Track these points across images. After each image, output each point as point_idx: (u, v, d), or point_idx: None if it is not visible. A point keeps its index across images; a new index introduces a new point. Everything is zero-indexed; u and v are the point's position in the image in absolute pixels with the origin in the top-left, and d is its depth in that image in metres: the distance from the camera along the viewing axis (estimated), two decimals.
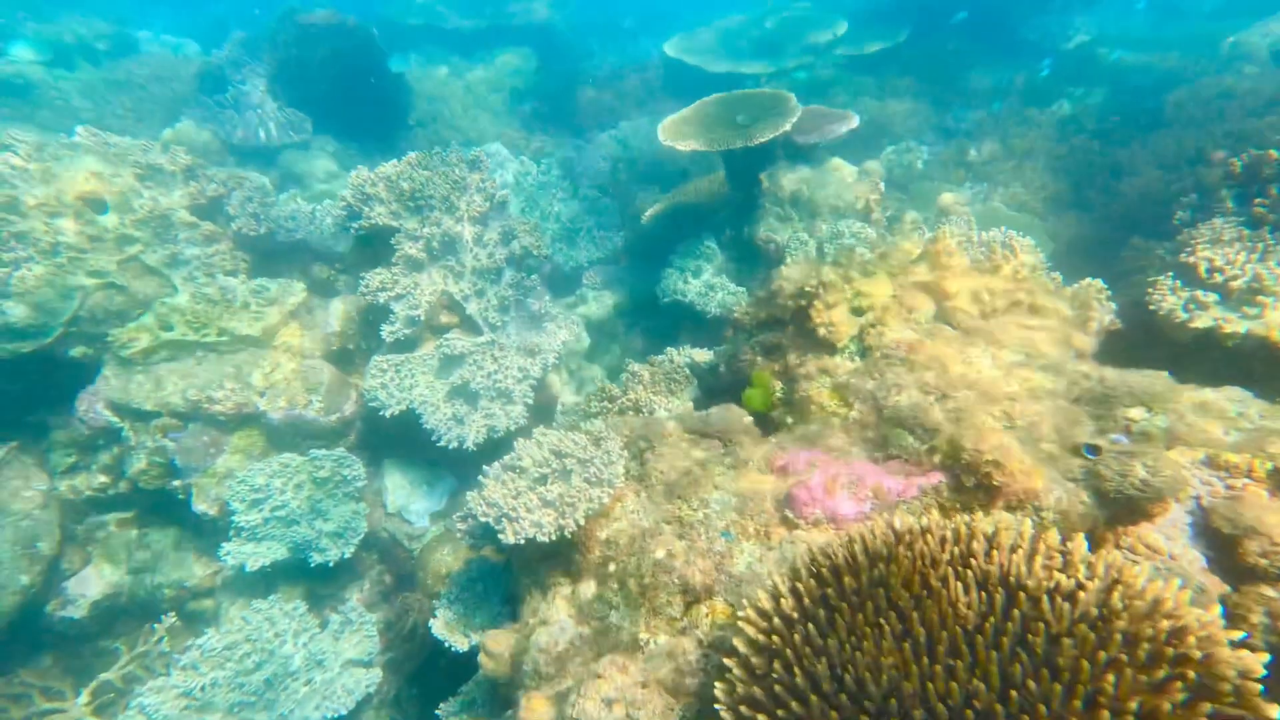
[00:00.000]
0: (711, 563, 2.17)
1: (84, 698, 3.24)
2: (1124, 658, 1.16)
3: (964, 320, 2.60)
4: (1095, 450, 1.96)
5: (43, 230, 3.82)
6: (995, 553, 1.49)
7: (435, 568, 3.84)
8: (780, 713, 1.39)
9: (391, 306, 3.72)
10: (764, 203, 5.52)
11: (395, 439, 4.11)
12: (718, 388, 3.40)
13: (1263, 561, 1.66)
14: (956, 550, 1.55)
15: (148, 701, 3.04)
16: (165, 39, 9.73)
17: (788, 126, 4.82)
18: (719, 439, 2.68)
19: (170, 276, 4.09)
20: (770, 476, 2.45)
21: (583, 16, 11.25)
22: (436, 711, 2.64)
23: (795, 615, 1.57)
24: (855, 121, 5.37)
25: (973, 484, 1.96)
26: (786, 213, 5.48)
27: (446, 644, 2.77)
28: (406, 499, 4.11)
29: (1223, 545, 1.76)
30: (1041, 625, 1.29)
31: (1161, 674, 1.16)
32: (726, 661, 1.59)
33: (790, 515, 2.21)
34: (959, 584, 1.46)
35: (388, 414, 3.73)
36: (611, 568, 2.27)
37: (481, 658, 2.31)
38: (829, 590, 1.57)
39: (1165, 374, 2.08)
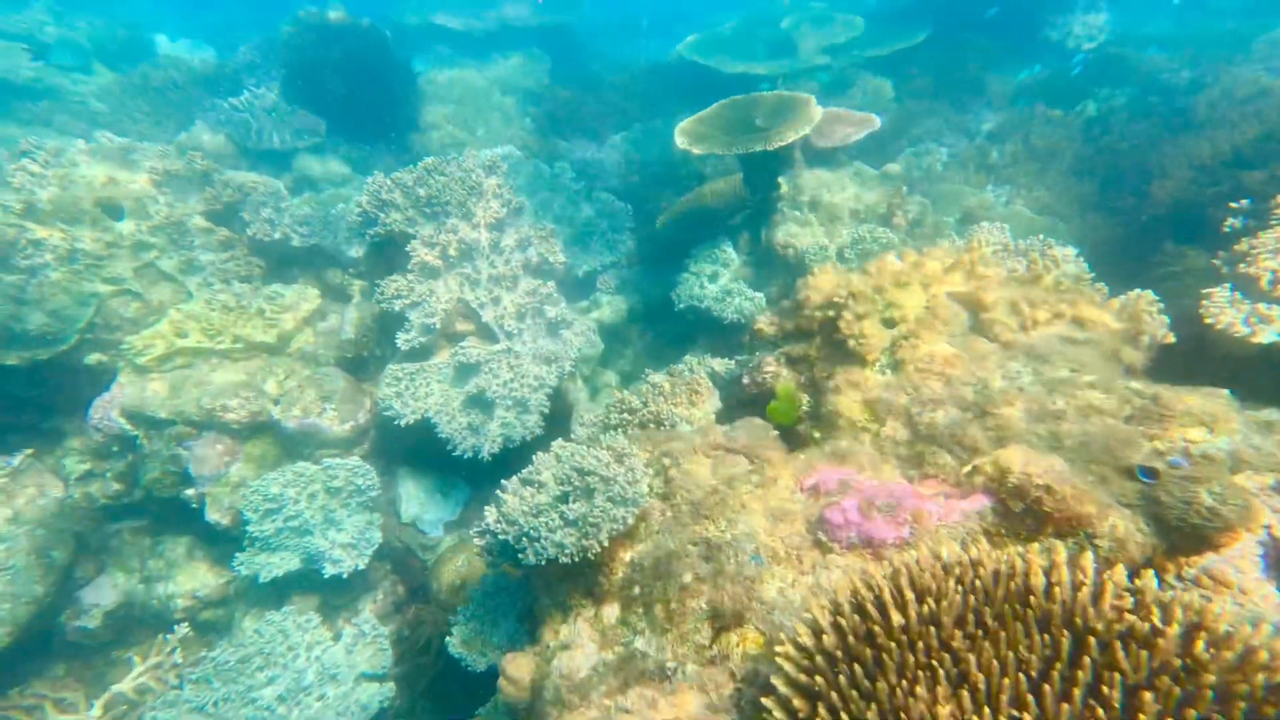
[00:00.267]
0: (741, 588, 2.08)
1: (96, 710, 3.20)
2: (1217, 719, 1.06)
3: (1002, 333, 2.49)
4: (1152, 474, 1.85)
5: (60, 237, 3.80)
6: (1056, 590, 1.39)
7: (449, 580, 3.78)
8: None
9: (407, 314, 3.67)
10: (782, 206, 5.42)
11: (410, 447, 4.06)
12: (740, 399, 3.31)
13: None
14: (1013, 586, 1.45)
15: (160, 716, 3.00)
16: (180, 43, 9.79)
17: (808, 130, 4.71)
18: (745, 455, 2.59)
19: (185, 283, 4.06)
20: (800, 496, 2.35)
21: (596, 17, 11.19)
22: None
23: (839, 654, 1.48)
24: (877, 124, 5.26)
25: (1020, 509, 1.86)
26: (805, 217, 5.37)
27: (464, 663, 2.70)
28: (420, 509, 4.05)
29: None
30: (1116, 676, 1.19)
31: None
32: (765, 702, 1.51)
33: (823, 538, 2.12)
34: (1019, 624, 1.37)
35: (402, 423, 3.67)
36: (636, 590, 2.18)
37: (501, 682, 2.23)
38: (874, 627, 1.48)
39: (1225, 392, 1.96)
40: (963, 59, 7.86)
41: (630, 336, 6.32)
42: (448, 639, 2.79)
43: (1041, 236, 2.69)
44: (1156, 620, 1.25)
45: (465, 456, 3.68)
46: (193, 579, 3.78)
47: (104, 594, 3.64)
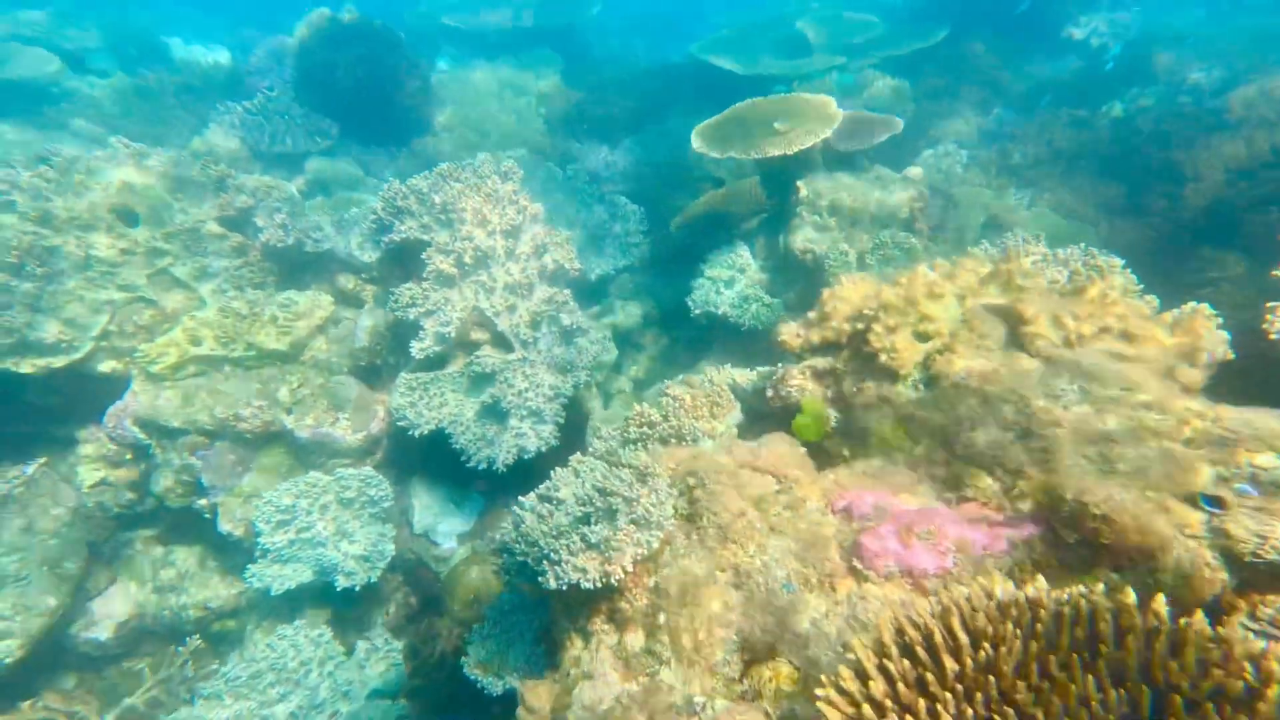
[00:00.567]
0: (773, 618, 1.98)
1: None
2: None
3: (1044, 348, 2.37)
4: (1217, 502, 1.73)
5: (75, 244, 3.78)
6: (1130, 638, 1.28)
7: (463, 593, 3.70)
8: None
9: (421, 322, 3.60)
10: (801, 210, 5.30)
11: (423, 457, 3.99)
12: (763, 412, 3.21)
13: None
14: (1079, 632, 1.34)
15: None
16: (194, 46, 9.83)
17: (829, 133, 4.61)
18: (772, 473, 2.49)
19: (199, 290, 4.03)
20: (832, 519, 2.25)
21: (608, 18, 11.11)
22: None
23: (888, 702, 1.38)
24: (899, 126, 5.13)
25: (1074, 540, 1.74)
26: (825, 221, 5.25)
27: (480, 685, 2.62)
28: (434, 519, 3.98)
29: None
30: None
31: None
32: None
33: (858, 566, 2.01)
34: (1089, 676, 1.26)
35: (416, 434, 3.61)
36: (661, 618, 2.09)
37: (520, 712, 2.15)
38: (927, 674, 1.38)
39: None
40: (983, 59, 7.70)
41: (644, 342, 6.23)
42: (463, 659, 2.72)
43: (1083, 245, 2.56)
44: (1250, 678, 1.14)
45: (480, 468, 3.61)
46: (204, 589, 3.74)
47: (116, 604, 3.60)
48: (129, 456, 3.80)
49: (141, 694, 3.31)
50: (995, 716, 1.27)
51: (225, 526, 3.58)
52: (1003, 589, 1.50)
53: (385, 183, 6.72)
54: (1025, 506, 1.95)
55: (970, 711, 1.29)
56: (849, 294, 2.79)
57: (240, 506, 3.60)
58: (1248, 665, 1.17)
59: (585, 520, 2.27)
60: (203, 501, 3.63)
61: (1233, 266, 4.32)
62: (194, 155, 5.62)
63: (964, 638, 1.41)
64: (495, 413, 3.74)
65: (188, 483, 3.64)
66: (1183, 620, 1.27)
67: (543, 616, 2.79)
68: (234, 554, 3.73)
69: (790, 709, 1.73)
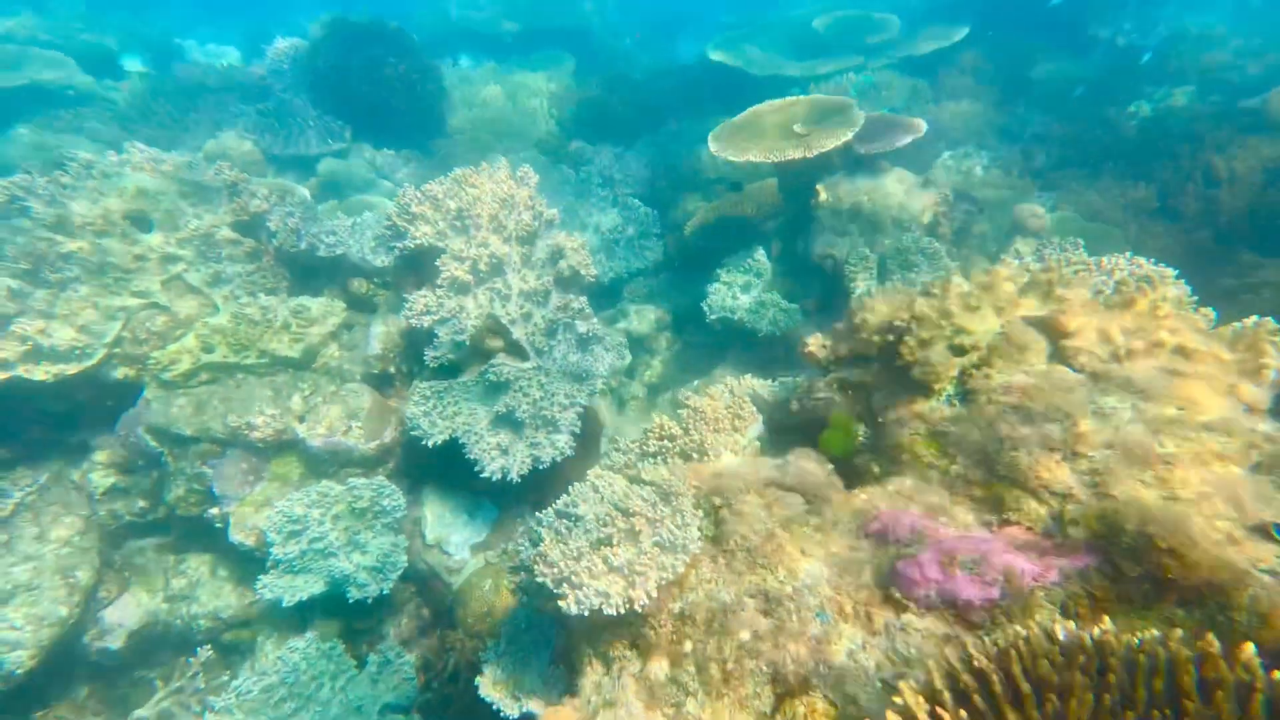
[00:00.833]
0: (806, 648, 1.88)
1: None
2: None
3: (1090, 363, 2.25)
4: None
5: (89, 250, 3.75)
6: (1219, 694, 1.17)
7: (476, 606, 3.63)
8: None
9: (435, 330, 3.53)
10: (820, 215, 5.19)
11: (435, 466, 3.93)
12: (787, 424, 3.10)
13: None
14: (1159, 685, 1.23)
15: None
16: (209, 47, 9.88)
17: (851, 135, 4.49)
18: (800, 492, 2.39)
19: (212, 295, 3.98)
20: (865, 543, 2.15)
21: (620, 18, 11.03)
22: None
23: None
24: (922, 128, 5.00)
25: (1136, 574, 1.63)
26: (844, 226, 5.14)
27: (495, 707, 2.54)
28: (446, 529, 3.92)
29: None
30: None
31: None
32: None
33: (896, 595, 1.91)
34: None
35: (430, 443, 3.54)
36: (688, 647, 2.00)
37: None
38: None
39: None
40: (1005, 59, 7.53)
41: (658, 346, 6.14)
42: (478, 679, 2.64)
43: (1129, 253, 2.44)
44: None
45: (494, 479, 3.53)
46: (216, 598, 3.69)
47: (128, 613, 3.57)
48: (141, 463, 3.76)
49: (153, 705, 3.27)
50: None
51: (237, 536, 3.53)
52: (1065, 630, 1.39)
53: (397, 184, 6.71)
54: (1077, 533, 1.83)
55: None
56: (879, 304, 2.67)
57: (252, 516, 3.55)
58: None
59: (606, 541, 2.18)
60: (214, 510, 3.58)
61: (1274, 272, 4.15)
62: (207, 159, 5.61)
63: (1026, 686, 1.30)
64: (510, 422, 3.67)
65: (199, 492, 3.59)
66: (1277, 674, 1.15)
67: (559, 634, 2.71)
68: (246, 563, 3.68)
69: None
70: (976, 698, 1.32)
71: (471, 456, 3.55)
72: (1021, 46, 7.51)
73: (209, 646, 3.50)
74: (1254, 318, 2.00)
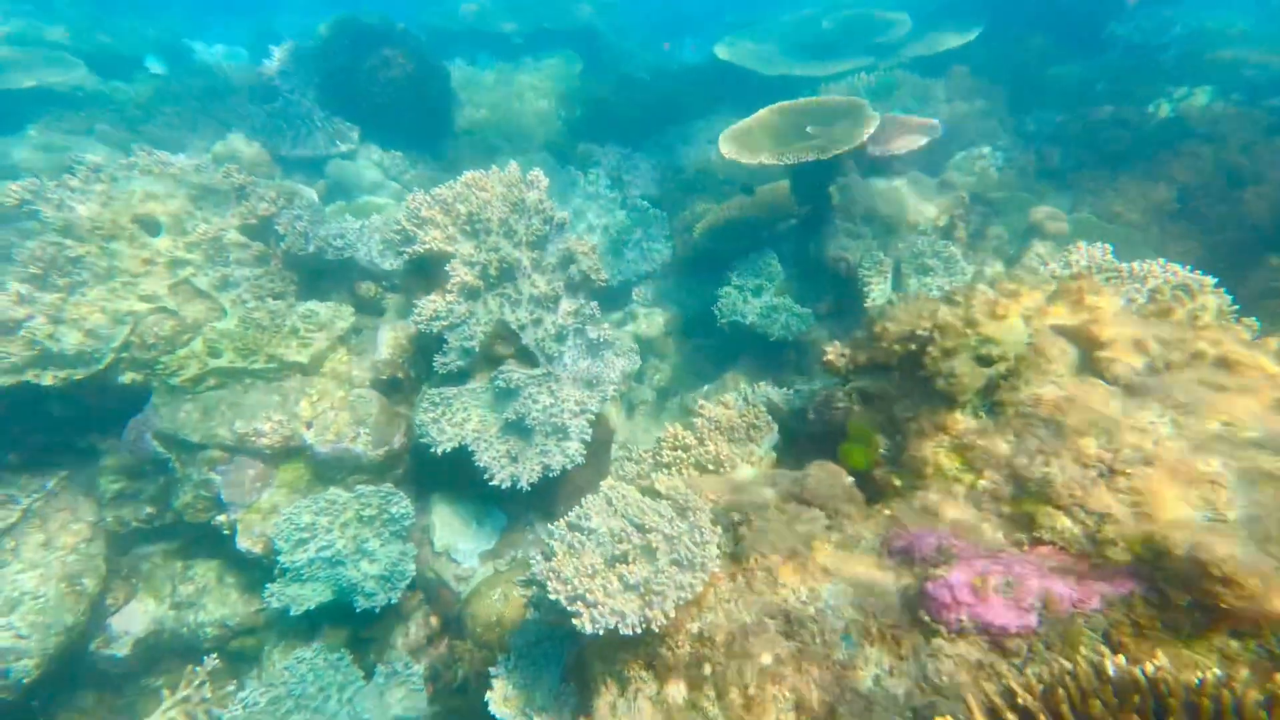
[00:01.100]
0: (830, 673, 1.81)
1: None
2: None
3: (1125, 375, 2.17)
4: None
5: (97, 254, 3.72)
6: None
7: (485, 615, 3.58)
8: None
9: (445, 336, 3.48)
10: (833, 217, 5.10)
11: (444, 473, 3.88)
12: (803, 434, 3.03)
13: None
14: None
15: None
16: (217, 49, 9.89)
17: (864, 137, 4.40)
18: (820, 507, 2.31)
19: (220, 300, 3.95)
20: (889, 561, 2.07)
21: (628, 19, 10.96)
22: None
23: None
24: (938, 129, 4.91)
25: (1185, 602, 1.55)
26: (858, 229, 5.05)
27: None
28: (455, 537, 3.86)
29: None
30: None
31: None
32: None
33: (925, 618, 1.83)
34: None
35: (439, 450, 3.49)
36: (706, 669, 1.93)
37: None
38: None
39: None
40: (1019, 58, 7.41)
41: (667, 350, 6.07)
42: (488, 695, 2.58)
43: (1163, 260, 2.35)
44: None
45: (504, 487, 3.47)
46: (223, 606, 3.66)
47: (134, 621, 3.54)
48: (149, 468, 3.73)
49: (159, 715, 3.23)
50: None
51: (244, 544, 3.49)
52: (1114, 665, 1.31)
53: (405, 186, 6.66)
54: (1117, 555, 1.75)
55: None
56: (900, 313, 2.60)
57: (259, 524, 3.51)
58: None
59: (621, 558, 2.11)
60: (222, 517, 3.54)
61: None
62: (216, 161, 5.59)
63: None
64: (520, 429, 3.61)
65: (207, 498, 3.56)
66: None
67: (571, 648, 2.65)
68: (253, 571, 3.64)
69: None
70: None
71: (481, 464, 3.50)
72: (1036, 45, 7.38)
73: (215, 655, 3.46)
74: None
